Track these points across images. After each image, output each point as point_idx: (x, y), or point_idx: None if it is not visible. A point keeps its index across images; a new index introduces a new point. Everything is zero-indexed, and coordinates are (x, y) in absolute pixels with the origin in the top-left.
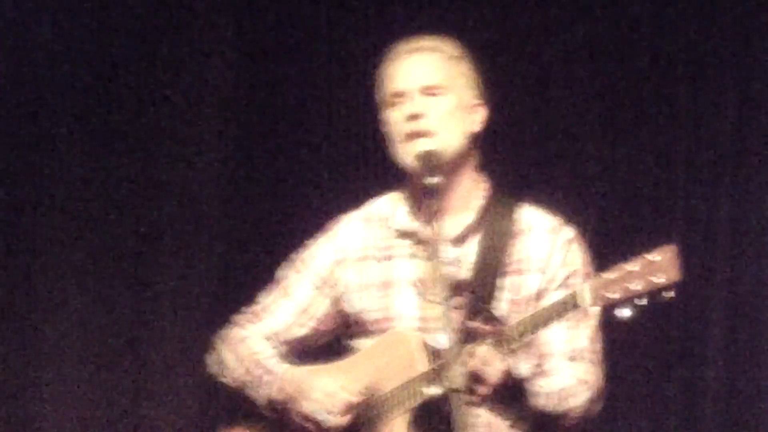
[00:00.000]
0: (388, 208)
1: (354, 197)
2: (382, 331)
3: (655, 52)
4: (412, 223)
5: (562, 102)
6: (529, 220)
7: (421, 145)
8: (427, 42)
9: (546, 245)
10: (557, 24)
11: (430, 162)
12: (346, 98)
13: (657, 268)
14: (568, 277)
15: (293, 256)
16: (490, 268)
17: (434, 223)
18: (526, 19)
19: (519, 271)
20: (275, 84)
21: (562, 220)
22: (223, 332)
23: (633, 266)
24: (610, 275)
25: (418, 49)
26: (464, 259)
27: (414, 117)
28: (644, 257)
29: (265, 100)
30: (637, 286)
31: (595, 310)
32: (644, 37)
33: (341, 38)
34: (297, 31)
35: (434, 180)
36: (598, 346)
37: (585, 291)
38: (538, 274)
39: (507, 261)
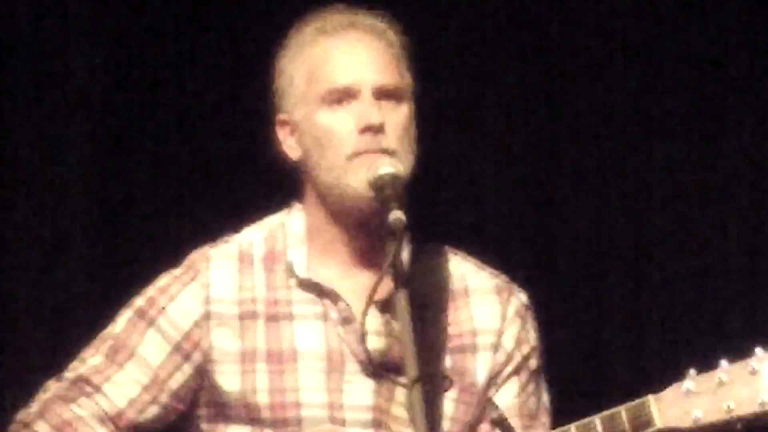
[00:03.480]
0: (270, 245)
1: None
2: (278, 421)
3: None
4: (318, 271)
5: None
6: (464, 275)
7: (382, 167)
8: (368, 19)
9: (496, 313)
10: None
11: (391, 191)
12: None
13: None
14: (524, 360)
15: (140, 300)
16: (427, 343)
17: (397, 278)
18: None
19: (465, 348)
20: (146, 75)
21: (506, 278)
22: (42, 402)
23: (728, 375)
24: (691, 385)
25: (357, 28)
26: (395, 329)
27: (372, 128)
28: (747, 363)
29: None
30: (732, 404)
31: None
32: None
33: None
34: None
35: (397, 216)
36: None
37: (652, 407)
38: (488, 352)
39: (447, 333)
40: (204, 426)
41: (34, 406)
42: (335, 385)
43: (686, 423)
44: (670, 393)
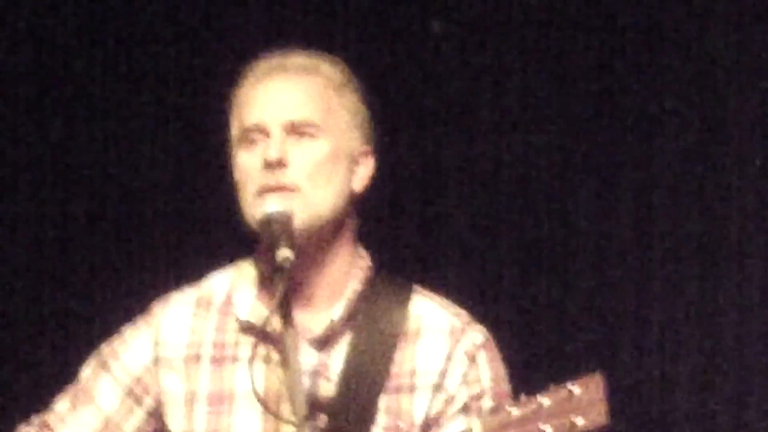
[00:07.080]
0: (229, 289)
1: (194, 267)
2: None
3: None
4: (261, 314)
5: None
6: (421, 316)
7: (272, 204)
8: (299, 59)
9: (442, 353)
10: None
11: (279, 229)
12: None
13: (577, 405)
14: (473, 400)
15: (103, 347)
16: (362, 383)
17: (285, 316)
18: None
19: (402, 388)
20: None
21: (468, 318)
22: None
23: (546, 399)
24: (513, 410)
25: (284, 69)
26: (329, 369)
27: (271, 165)
28: (565, 387)
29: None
30: (548, 428)
31: None
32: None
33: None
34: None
35: (285, 255)
36: None
37: (476, 430)
38: (428, 393)
39: (387, 373)
40: None
41: None
42: (271, 426)
43: None
44: (496, 418)
